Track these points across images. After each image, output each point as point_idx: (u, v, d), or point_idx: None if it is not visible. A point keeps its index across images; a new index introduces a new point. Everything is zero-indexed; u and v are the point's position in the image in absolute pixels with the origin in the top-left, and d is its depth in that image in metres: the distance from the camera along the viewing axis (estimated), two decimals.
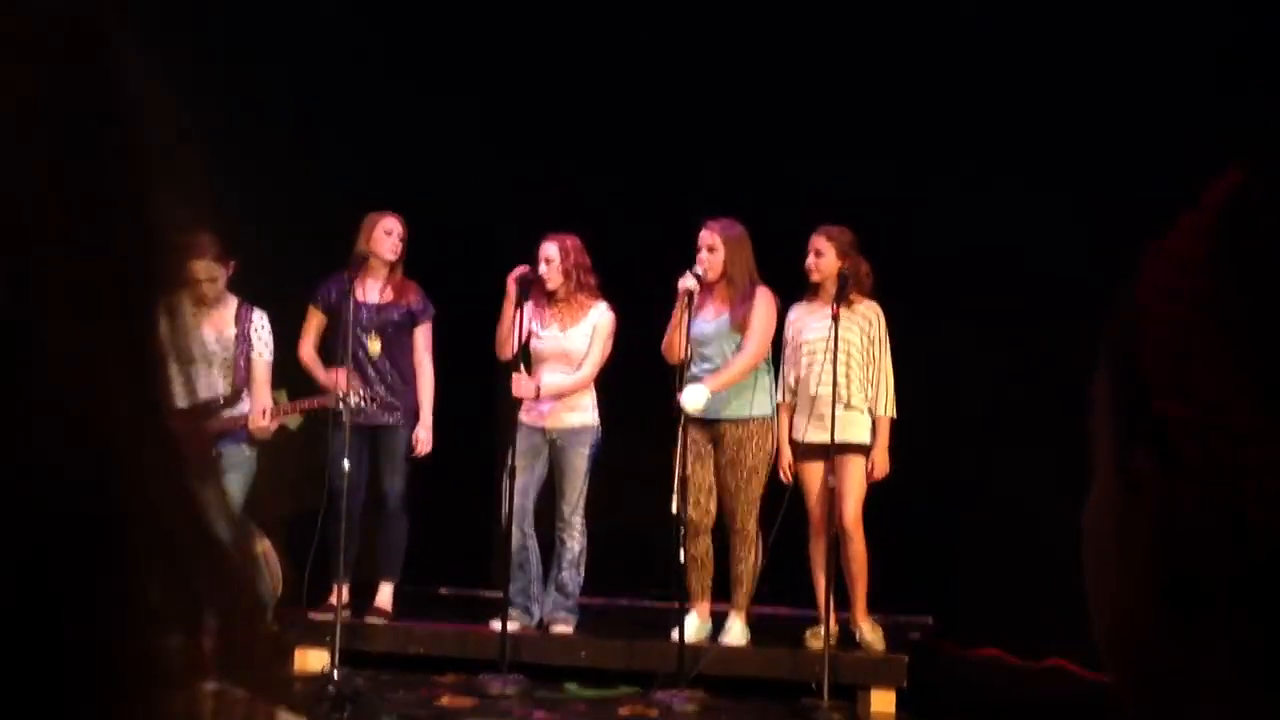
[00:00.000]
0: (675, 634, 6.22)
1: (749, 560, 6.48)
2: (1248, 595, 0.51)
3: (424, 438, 6.82)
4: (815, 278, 6.42)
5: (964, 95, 7.25)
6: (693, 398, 6.31)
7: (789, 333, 6.54)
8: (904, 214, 7.06)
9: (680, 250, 6.54)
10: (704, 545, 6.56)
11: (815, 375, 6.32)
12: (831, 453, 6.17)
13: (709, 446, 6.52)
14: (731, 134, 7.76)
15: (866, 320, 6.42)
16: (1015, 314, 7.01)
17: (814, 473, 6.33)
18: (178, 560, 0.46)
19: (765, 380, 6.53)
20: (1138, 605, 0.56)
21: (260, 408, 6.19)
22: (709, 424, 6.48)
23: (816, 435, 6.26)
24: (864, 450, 6.37)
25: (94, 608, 0.43)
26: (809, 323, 6.44)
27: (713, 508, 6.55)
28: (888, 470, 6.37)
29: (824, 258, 6.38)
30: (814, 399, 6.31)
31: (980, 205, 7.05)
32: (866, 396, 6.40)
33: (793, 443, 6.44)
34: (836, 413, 6.21)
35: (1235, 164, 0.55)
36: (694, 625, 6.42)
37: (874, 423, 6.39)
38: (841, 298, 6.24)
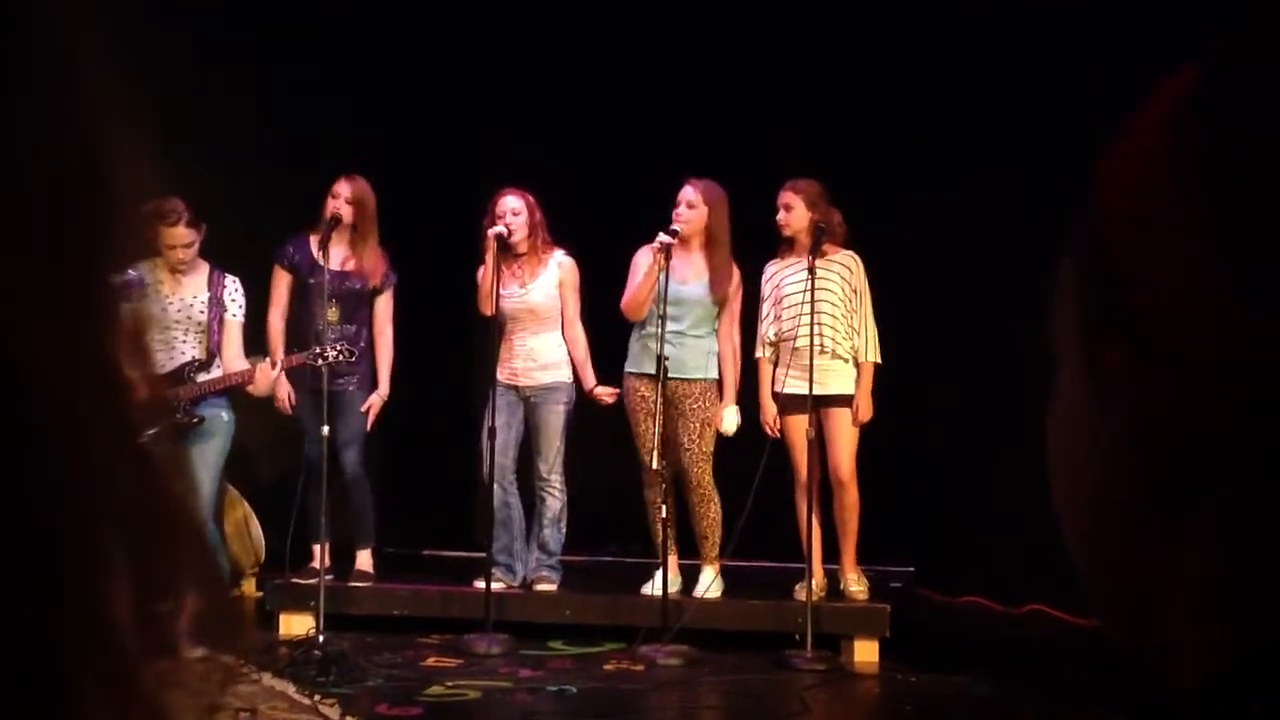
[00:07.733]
0: (648, 588, 6.35)
1: (709, 514, 6.51)
2: (1230, 484, 0.50)
3: (376, 403, 6.68)
4: (787, 233, 6.41)
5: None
6: (732, 421, 6.44)
7: (767, 289, 6.53)
8: (875, 163, 7.04)
9: (648, 206, 6.50)
10: (672, 500, 6.57)
11: (798, 328, 6.29)
12: (810, 405, 6.18)
13: (663, 404, 6.50)
14: (697, 84, 7.71)
15: (846, 269, 6.41)
16: (991, 261, 7.01)
17: (798, 425, 6.32)
18: (135, 521, 0.45)
19: (714, 343, 6.53)
20: (1116, 504, 0.54)
21: (237, 369, 6.15)
22: (664, 382, 6.46)
23: (801, 387, 6.25)
24: (850, 401, 6.38)
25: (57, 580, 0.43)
26: (787, 276, 6.42)
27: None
28: (870, 415, 6.37)
29: (793, 212, 6.37)
30: (797, 352, 6.28)
31: (952, 152, 7.03)
32: (852, 346, 6.40)
33: (776, 396, 6.43)
34: (822, 363, 6.22)
35: (1189, 60, 0.54)
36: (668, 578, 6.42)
37: (858, 369, 6.40)
38: (816, 250, 6.23)
